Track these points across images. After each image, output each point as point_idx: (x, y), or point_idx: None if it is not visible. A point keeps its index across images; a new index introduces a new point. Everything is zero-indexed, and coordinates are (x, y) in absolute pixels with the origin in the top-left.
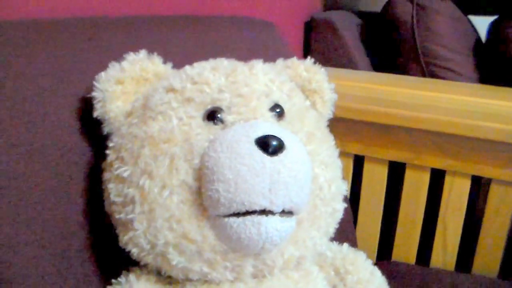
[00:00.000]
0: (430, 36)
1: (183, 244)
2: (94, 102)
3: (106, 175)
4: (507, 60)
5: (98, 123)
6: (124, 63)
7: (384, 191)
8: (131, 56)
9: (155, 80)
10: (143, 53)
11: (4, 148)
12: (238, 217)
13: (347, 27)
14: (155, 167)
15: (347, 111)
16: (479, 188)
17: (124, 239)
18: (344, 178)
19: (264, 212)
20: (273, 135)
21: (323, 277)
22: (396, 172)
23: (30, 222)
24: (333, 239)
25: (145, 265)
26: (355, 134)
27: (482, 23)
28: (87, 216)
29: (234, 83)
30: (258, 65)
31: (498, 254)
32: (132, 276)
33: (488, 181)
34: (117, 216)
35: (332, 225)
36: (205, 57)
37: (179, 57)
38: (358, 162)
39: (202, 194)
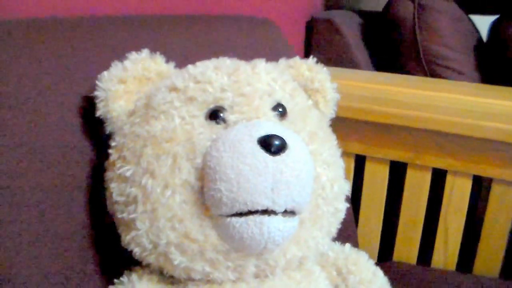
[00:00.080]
0: (432, 36)
1: (185, 244)
2: (97, 101)
3: (109, 175)
4: (508, 59)
5: (100, 122)
6: (127, 63)
7: (385, 191)
8: (133, 56)
9: (158, 79)
10: (145, 52)
11: (6, 147)
12: (240, 217)
13: (349, 26)
14: (157, 167)
15: (348, 111)
16: (481, 188)
17: (126, 238)
18: (345, 177)
19: (266, 212)
20: (275, 135)
21: (325, 277)
22: (397, 172)
23: (32, 221)
24: (334, 239)
25: (147, 265)
26: (356, 133)
27: (483, 23)
28: (89, 216)
29: (236, 82)
30: (260, 64)
31: (500, 254)
32: (134, 276)
33: (489, 181)
34: (119, 216)
35: (334, 225)
36: (207, 56)
37: (180, 57)
38: (359, 162)
39: (205, 193)
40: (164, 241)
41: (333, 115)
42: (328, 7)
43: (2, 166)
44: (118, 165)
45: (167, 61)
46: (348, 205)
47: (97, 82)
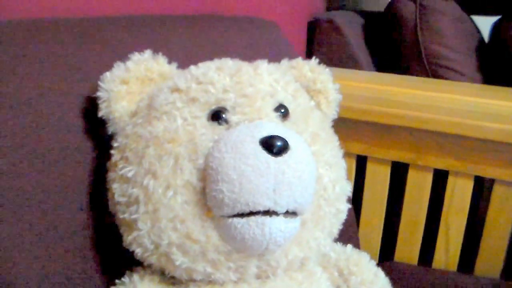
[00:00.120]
0: (433, 36)
1: (187, 245)
2: (99, 102)
3: (111, 175)
4: (510, 60)
5: (102, 123)
6: (129, 63)
7: (387, 192)
8: (136, 56)
9: (160, 80)
10: (148, 53)
11: (8, 147)
12: (242, 218)
13: (350, 27)
14: (159, 167)
15: (350, 111)
16: (482, 188)
17: (128, 239)
18: (347, 178)
19: (268, 212)
20: (277, 136)
21: (327, 278)
22: (399, 172)
23: (33, 222)
24: (336, 239)
25: (149, 265)
26: (357, 134)
27: (485, 23)
28: (90, 216)
29: (238, 83)
30: (263, 65)
31: (501, 254)
32: (135, 276)
33: (491, 182)
34: (121, 216)
35: (336, 226)
36: (208, 57)
37: (182, 57)
38: (361, 163)
39: (206, 194)
40: (166, 241)
41: (335, 116)
42: (329, 7)
43: (3, 167)
44: (120, 166)
45: (169, 62)
46: (349, 206)
47: (99, 82)
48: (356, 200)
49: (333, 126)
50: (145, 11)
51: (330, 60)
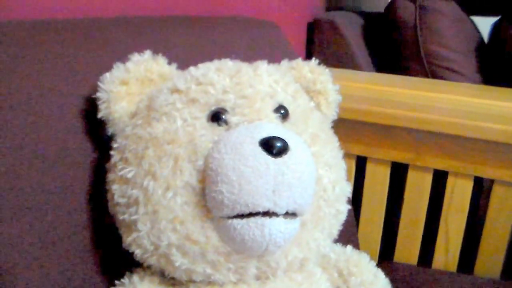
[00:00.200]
0: (433, 37)
1: (187, 246)
2: (99, 103)
3: (110, 176)
4: (509, 60)
5: (102, 124)
6: (129, 64)
7: (386, 192)
8: (135, 57)
9: (160, 81)
10: (147, 53)
11: (8, 148)
12: (241, 219)
13: (350, 27)
14: (159, 168)
15: (349, 112)
16: (481, 188)
17: (127, 240)
18: (346, 179)
19: (267, 213)
20: (277, 137)
21: (327, 279)
22: (398, 173)
23: (34, 223)
24: (336, 240)
25: (149, 266)
26: (357, 135)
27: (484, 24)
28: (90, 217)
29: (238, 84)
30: (262, 66)
31: (500, 255)
32: (135, 277)
33: (490, 182)
34: (120, 217)
35: (335, 227)
36: (209, 58)
37: (182, 58)
38: (360, 163)
39: (206, 195)
40: (165, 242)
41: (335, 117)
42: (329, 8)
43: (3, 167)
44: (119, 167)
45: (169, 63)
46: (349, 206)
47: (99, 83)
48: (356, 200)
49: (332, 127)
50: (145, 12)
51: (330, 61)
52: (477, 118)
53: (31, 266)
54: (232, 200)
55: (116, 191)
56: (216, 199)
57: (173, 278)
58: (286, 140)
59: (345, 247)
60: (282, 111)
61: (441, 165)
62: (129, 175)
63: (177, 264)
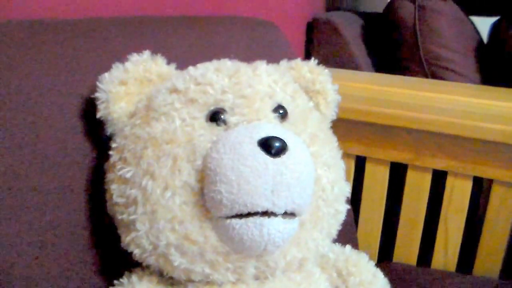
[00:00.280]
0: (432, 37)
1: (185, 245)
2: (98, 103)
3: (109, 176)
4: (509, 61)
5: (101, 124)
6: (128, 64)
7: (386, 192)
8: (134, 57)
9: (159, 81)
10: (146, 54)
11: (7, 148)
12: (240, 219)
13: (349, 27)
14: (157, 168)
15: (349, 112)
16: (481, 189)
17: (126, 240)
18: (345, 179)
19: (266, 213)
20: (276, 137)
21: (325, 279)
22: (398, 173)
23: (33, 222)
24: (334, 240)
25: (147, 266)
26: (356, 135)
27: (484, 24)
28: (89, 217)
29: (237, 84)
30: (261, 66)
31: (500, 255)
32: (134, 277)
33: (490, 182)
34: (119, 217)
35: (334, 227)
36: (207, 58)
37: (181, 58)
38: (360, 163)
39: (205, 195)
40: (164, 242)
41: (334, 117)
42: (329, 8)
43: (2, 167)
44: (118, 167)
45: (168, 63)
46: (348, 207)
47: (98, 83)
48: (355, 200)
49: (332, 127)
50: (145, 12)
51: (329, 61)
52: (476, 118)
53: (30, 265)
54: (230, 200)
55: (115, 190)
56: (215, 199)
57: (171, 278)
58: (285, 140)
59: (344, 247)
60: (281, 111)
61: (440, 165)
62: (128, 175)
63: (175, 263)
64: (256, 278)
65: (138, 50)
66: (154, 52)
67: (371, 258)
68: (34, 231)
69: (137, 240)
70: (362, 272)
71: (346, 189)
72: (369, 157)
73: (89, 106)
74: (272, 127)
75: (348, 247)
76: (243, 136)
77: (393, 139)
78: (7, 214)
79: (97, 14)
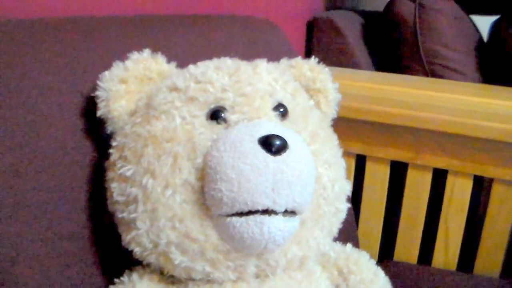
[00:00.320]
0: (432, 36)
1: (186, 244)
2: (98, 101)
3: (109, 174)
4: (509, 60)
5: (101, 122)
6: (128, 62)
7: (386, 191)
8: (135, 55)
9: (159, 79)
10: (147, 52)
11: (8, 147)
12: (241, 217)
13: (349, 26)
14: (158, 166)
15: (349, 111)
16: (481, 187)
17: (126, 238)
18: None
19: (267, 211)
20: (276, 135)
21: (326, 277)
22: (398, 171)
23: (33, 221)
24: (335, 239)
25: (148, 265)
26: (356, 133)
27: (484, 23)
28: (90, 216)
29: (237, 82)
30: (262, 64)
31: (500, 254)
32: (134, 276)
33: (490, 181)
34: (119, 216)
35: (335, 225)
36: (208, 56)
37: (181, 57)
38: (360, 162)
39: (205, 193)
40: (165, 240)
41: (335, 115)
42: (329, 7)
43: (3, 166)
44: (119, 165)
45: (169, 61)
46: (349, 205)
47: (98, 82)
48: (356, 199)
49: (332, 126)
50: (145, 11)
51: (329, 60)
52: (476, 117)
53: (31, 264)
54: (231, 198)
55: (115, 189)
56: (215, 197)
57: (172, 276)
58: (285, 138)
59: (345, 245)
60: (281, 109)
61: (440, 164)
62: (128, 173)
63: (176, 262)
64: (257, 276)
65: (138, 48)
66: (155, 50)
67: (371, 256)
68: (35, 230)
69: (137, 239)
70: (363, 270)
71: (347, 188)
72: (369, 155)
73: (89, 105)
74: (272, 125)
75: (349, 245)
76: (243, 134)
77: (393, 138)
78: (8, 212)
79: (97, 13)
